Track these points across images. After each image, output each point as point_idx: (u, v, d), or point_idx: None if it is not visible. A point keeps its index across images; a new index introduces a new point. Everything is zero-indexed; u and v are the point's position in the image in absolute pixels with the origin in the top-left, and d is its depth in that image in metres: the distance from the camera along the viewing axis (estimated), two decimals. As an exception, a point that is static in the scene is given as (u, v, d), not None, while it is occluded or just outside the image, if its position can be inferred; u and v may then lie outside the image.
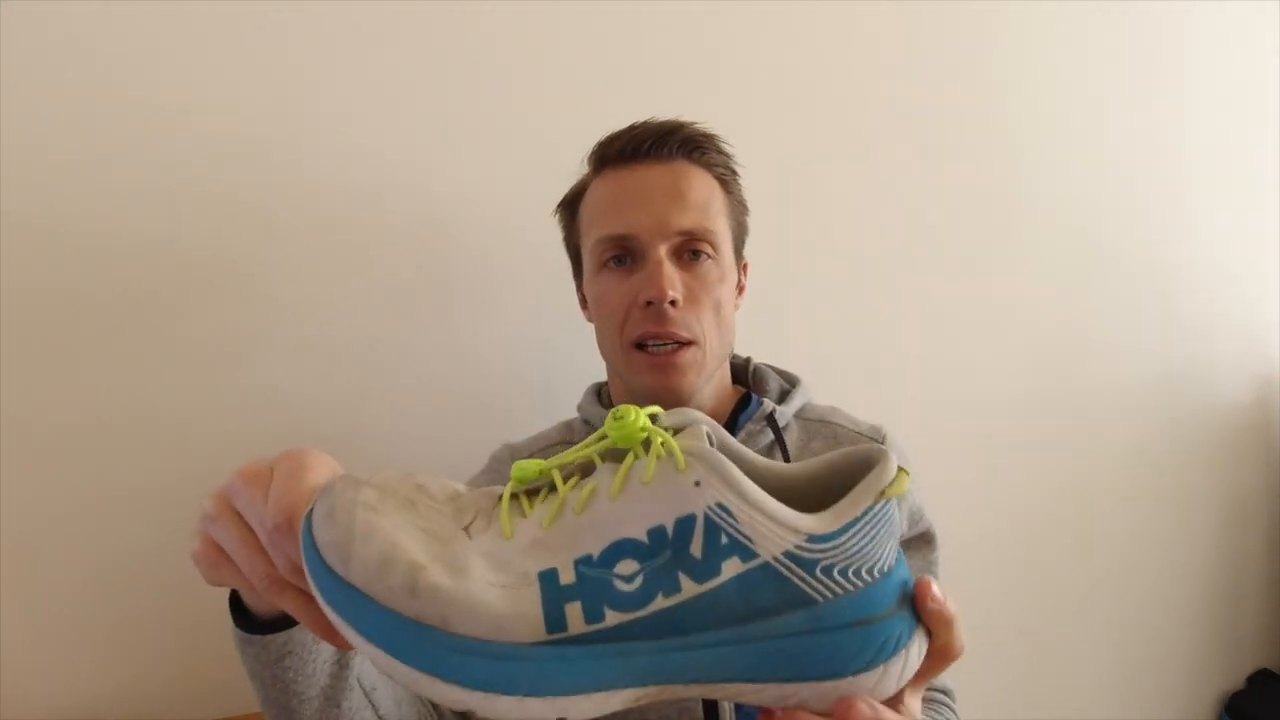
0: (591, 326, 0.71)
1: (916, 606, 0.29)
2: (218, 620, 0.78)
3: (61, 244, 0.70)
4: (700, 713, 0.57)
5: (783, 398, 0.69)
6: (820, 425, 0.68)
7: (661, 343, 0.60)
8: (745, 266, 0.70)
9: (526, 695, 0.25)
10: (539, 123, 0.87)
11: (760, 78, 0.99)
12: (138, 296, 0.73)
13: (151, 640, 0.75)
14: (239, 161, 0.76)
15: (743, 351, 0.75)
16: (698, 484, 0.27)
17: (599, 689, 0.26)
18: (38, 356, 0.70)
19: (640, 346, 0.61)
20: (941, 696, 0.66)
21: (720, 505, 0.27)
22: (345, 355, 0.80)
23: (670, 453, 0.28)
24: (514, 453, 0.71)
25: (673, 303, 0.59)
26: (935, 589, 0.30)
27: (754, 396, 0.68)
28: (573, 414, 0.74)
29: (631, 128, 0.64)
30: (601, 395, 0.73)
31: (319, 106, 0.78)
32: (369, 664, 0.52)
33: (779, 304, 1.00)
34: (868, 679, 0.28)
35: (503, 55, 0.86)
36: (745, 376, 0.72)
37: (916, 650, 0.29)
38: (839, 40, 1.03)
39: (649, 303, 0.59)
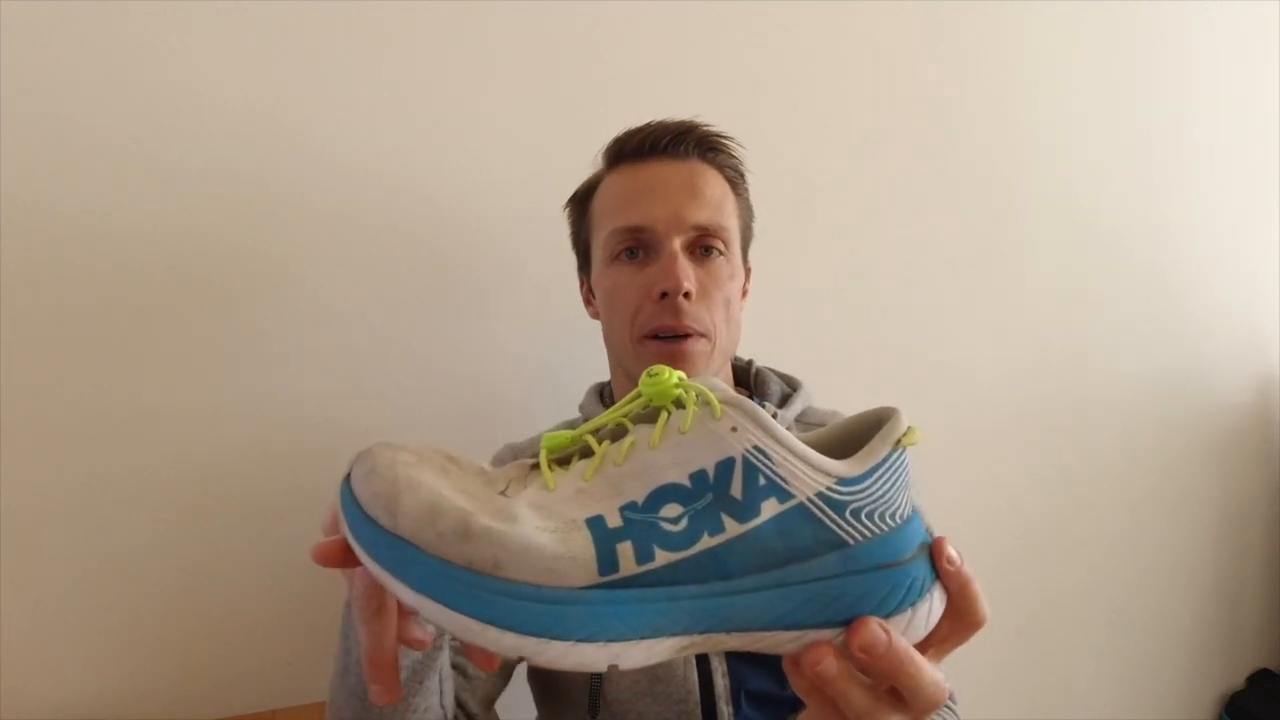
0: (592, 327, 0.71)
1: (934, 562, 0.31)
2: (218, 620, 0.78)
3: (64, 243, 0.71)
4: (700, 713, 0.57)
5: (784, 401, 0.69)
6: None
7: (673, 334, 0.61)
8: (749, 271, 0.71)
9: (579, 640, 0.25)
10: (545, 124, 0.88)
11: (761, 79, 0.99)
12: (140, 295, 0.73)
13: (152, 640, 0.75)
14: (244, 160, 0.76)
15: (744, 354, 0.75)
16: (734, 430, 0.29)
17: (648, 635, 0.27)
18: (39, 354, 0.70)
19: (651, 337, 0.62)
20: (942, 697, 0.66)
21: (757, 448, 0.28)
22: (346, 355, 0.80)
23: (707, 402, 0.29)
24: (516, 453, 0.71)
25: (686, 295, 0.60)
26: (950, 549, 0.31)
27: (755, 399, 0.68)
28: (575, 414, 0.74)
29: (648, 125, 0.65)
30: (604, 394, 0.73)
31: (329, 102, 0.79)
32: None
33: (781, 307, 1.00)
34: (898, 623, 0.29)
35: (508, 56, 0.86)
36: (747, 379, 0.72)
37: (938, 598, 0.30)
38: (841, 41, 1.04)
39: (663, 294, 0.60)
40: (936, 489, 0.81)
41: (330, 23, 0.78)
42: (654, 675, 0.58)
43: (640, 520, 0.27)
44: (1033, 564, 1.23)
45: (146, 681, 0.75)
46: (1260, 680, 1.46)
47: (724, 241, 0.64)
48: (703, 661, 0.59)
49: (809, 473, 0.29)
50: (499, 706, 0.63)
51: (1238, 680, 1.47)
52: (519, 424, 0.84)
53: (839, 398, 0.73)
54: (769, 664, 0.60)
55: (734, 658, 0.59)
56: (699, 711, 0.57)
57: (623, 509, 0.28)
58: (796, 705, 0.59)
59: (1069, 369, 1.24)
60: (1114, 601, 1.31)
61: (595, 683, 0.59)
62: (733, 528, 0.28)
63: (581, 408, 0.73)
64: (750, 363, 0.74)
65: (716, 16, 0.96)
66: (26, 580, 0.71)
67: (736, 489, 0.28)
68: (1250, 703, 1.42)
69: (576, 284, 0.74)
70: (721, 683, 0.58)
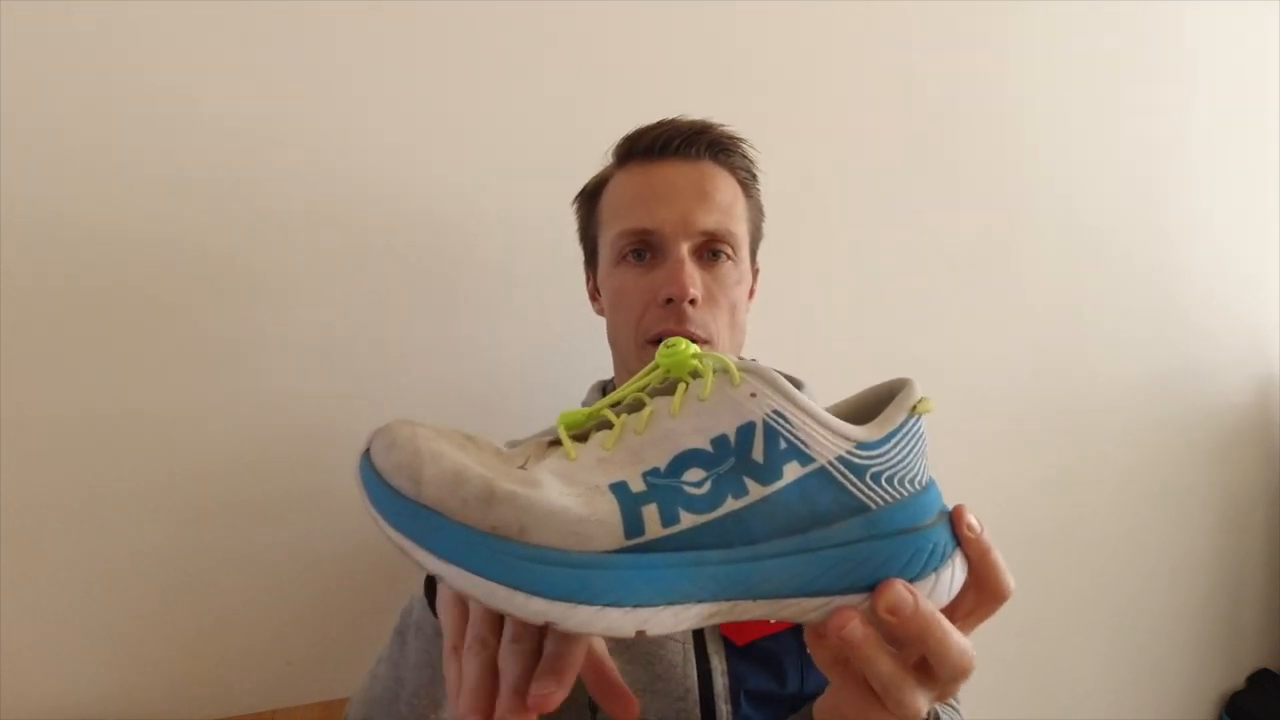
0: (596, 323, 0.71)
1: (954, 529, 0.31)
2: (218, 621, 0.78)
3: (65, 243, 0.71)
4: (699, 712, 0.57)
5: None
6: None
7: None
8: (757, 271, 0.71)
9: (606, 605, 0.25)
10: (547, 122, 0.88)
11: (761, 79, 0.99)
12: (141, 295, 0.73)
13: (152, 641, 0.75)
14: (245, 160, 0.76)
15: (747, 355, 0.75)
16: (753, 395, 0.29)
17: (675, 601, 0.27)
18: (39, 355, 0.70)
19: (654, 342, 0.61)
20: (947, 698, 0.66)
21: (777, 412, 0.29)
22: (348, 354, 0.80)
23: (725, 369, 0.30)
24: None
25: (692, 301, 0.59)
26: (970, 516, 0.31)
27: None
28: None
29: (660, 124, 0.65)
30: (606, 391, 0.73)
31: (325, 103, 0.79)
32: None
33: (781, 307, 1.00)
34: (921, 588, 0.29)
35: (512, 54, 0.86)
36: None
37: (960, 565, 0.30)
38: (843, 40, 1.04)
39: (669, 300, 0.60)
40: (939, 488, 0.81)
41: (328, 25, 0.78)
42: (654, 673, 0.58)
43: (664, 485, 0.28)
44: (1033, 564, 1.23)
45: (147, 682, 0.75)
46: (1260, 680, 1.46)
47: (732, 246, 0.63)
48: (702, 660, 0.59)
49: (829, 437, 0.29)
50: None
51: (1238, 680, 1.47)
52: (520, 423, 0.84)
53: (840, 398, 0.73)
54: (769, 663, 0.60)
55: (734, 656, 0.59)
56: (698, 710, 0.57)
57: (645, 475, 0.28)
58: (796, 704, 0.59)
59: (1069, 370, 1.24)
60: (1114, 601, 1.31)
61: None
62: (756, 490, 0.28)
63: (585, 405, 0.73)
64: (753, 362, 0.74)
65: (717, 16, 0.96)
66: (27, 582, 0.71)
67: (758, 452, 0.28)
68: (1250, 703, 1.42)
69: (576, 283, 0.74)
70: (721, 681, 0.58)
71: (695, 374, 0.30)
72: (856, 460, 0.29)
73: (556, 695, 0.27)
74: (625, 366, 0.68)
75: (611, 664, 0.32)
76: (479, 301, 0.86)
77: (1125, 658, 1.33)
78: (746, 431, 0.28)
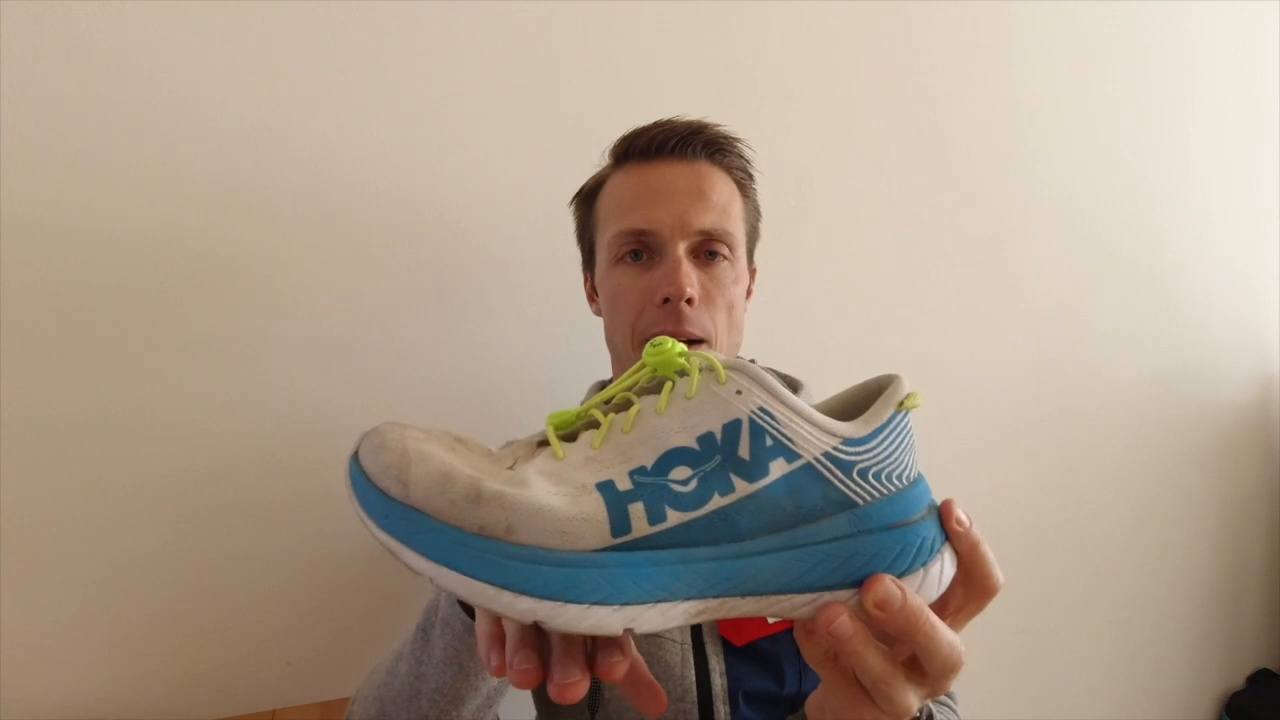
0: (594, 323, 0.71)
1: (943, 523, 0.31)
2: (219, 622, 0.78)
3: (65, 242, 0.71)
4: (697, 713, 0.57)
5: None
6: None
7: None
8: (754, 272, 0.71)
9: (594, 603, 0.25)
10: (546, 122, 0.87)
11: (761, 79, 0.99)
12: (141, 295, 0.73)
13: (153, 641, 0.75)
14: (244, 159, 0.76)
15: (745, 355, 0.75)
16: (739, 393, 0.29)
17: (663, 598, 0.26)
18: (40, 355, 0.70)
19: None
20: (942, 697, 0.66)
21: (763, 409, 0.29)
22: (348, 354, 0.80)
23: (711, 367, 0.30)
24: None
25: (689, 301, 0.59)
26: (960, 510, 0.31)
27: None
28: None
29: (657, 124, 0.65)
30: None
31: (325, 103, 0.79)
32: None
33: (781, 307, 1.00)
34: (910, 583, 0.29)
35: (511, 54, 0.86)
36: None
37: (950, 560, 0.30)
38: (843, 40, 1.04)
39: (666, 300, 0.60)
40: (937, 490, 0.81)
41: (325, 25, 0.78)
42: (652, 674, 0.58)
43: (650, 483, 0.28)
44: (1034, 564, 1.23)
45: (148, 682, 0.75)
46: (1260, 680, 1.46)
47: (729, 246, 0.63)
48: (700, 660, 0.58)
49: (815, 433, 0.29)
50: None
51: (1238, 680, 1.47)
52: (519, 424, 0.84)
53: (836, 398, 0.73)
54: (767, 663, 0.60)
55: (732, 656, 0.59)
56: (696, 710, 0.57)
57: (632, 474, 0.28)
58: (795, 705, 0.59)
59: (1069, 370, 1.24)
60: (1115, 601, 1.31)
61: (594, 680, 0.59)
62: (742, 487, 0.28)
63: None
64: (752, 362, 0.74)
65: (716, 16, 0.96)
66: (28, 582, 0.71)
67: (744, 450, 0.28)
68: (1250, 703, 1.42)
69: (575, 284, 0.74)
70: (719, 682, 0.58)
71: (682, 372, 0.31)
72: (843, 456, 0.29)
73: (582, 684, 0.28)
74: (622, 365, 0.67)
75: (640, 659, 0.32)
76: (479, 301, 0.86)
77: (1125, 658, 1.34)
78: (733, 429, 0.28)
